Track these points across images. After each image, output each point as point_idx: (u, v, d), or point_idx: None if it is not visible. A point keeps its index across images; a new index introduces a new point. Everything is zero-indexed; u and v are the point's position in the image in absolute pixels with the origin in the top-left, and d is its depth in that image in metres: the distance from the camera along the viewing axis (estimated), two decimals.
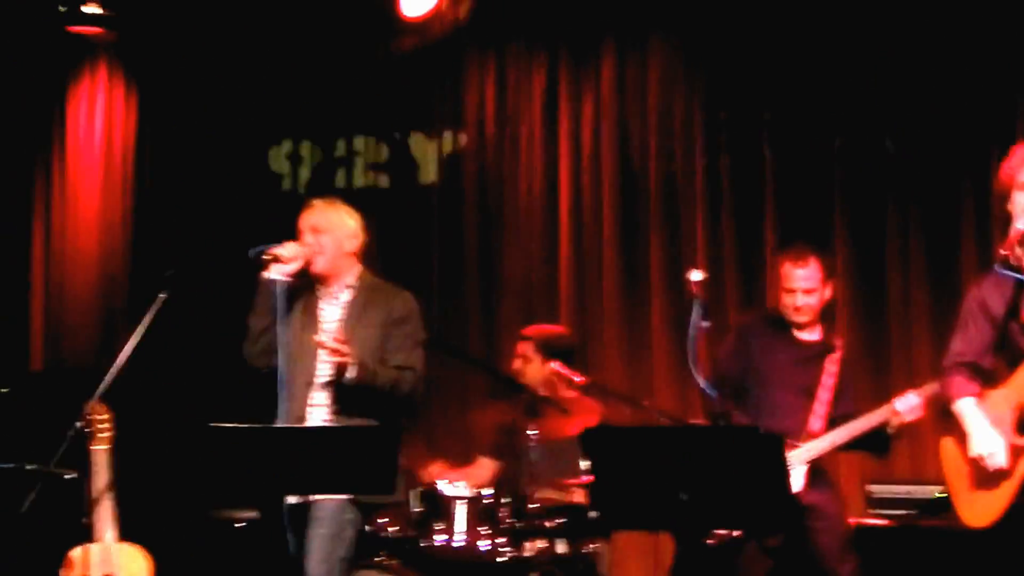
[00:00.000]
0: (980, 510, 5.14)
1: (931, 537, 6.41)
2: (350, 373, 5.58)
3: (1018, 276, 5.06)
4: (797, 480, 6.07)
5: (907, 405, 5.98)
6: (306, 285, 5.90)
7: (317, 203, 5.99)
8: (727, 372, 6.34)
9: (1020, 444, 5.03)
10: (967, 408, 5.16)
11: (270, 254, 5.69)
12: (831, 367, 6.27)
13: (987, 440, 5.07)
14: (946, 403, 5.28)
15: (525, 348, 7.08)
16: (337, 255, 5.86)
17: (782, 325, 6.37)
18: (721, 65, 7.96)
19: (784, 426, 6.08)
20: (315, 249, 5.81)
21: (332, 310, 5.86)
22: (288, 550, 5.50)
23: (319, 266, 5.83)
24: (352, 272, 5.91)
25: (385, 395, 5.67)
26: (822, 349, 6.33)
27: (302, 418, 5.68)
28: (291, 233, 5.89)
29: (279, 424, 5.58)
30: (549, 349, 6.98)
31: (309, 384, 5.70)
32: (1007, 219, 5.11)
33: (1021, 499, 5.04)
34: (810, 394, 6.21)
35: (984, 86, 7.40)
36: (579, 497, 6.61)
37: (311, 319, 5.84)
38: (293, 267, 5.73)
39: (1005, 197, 5.12)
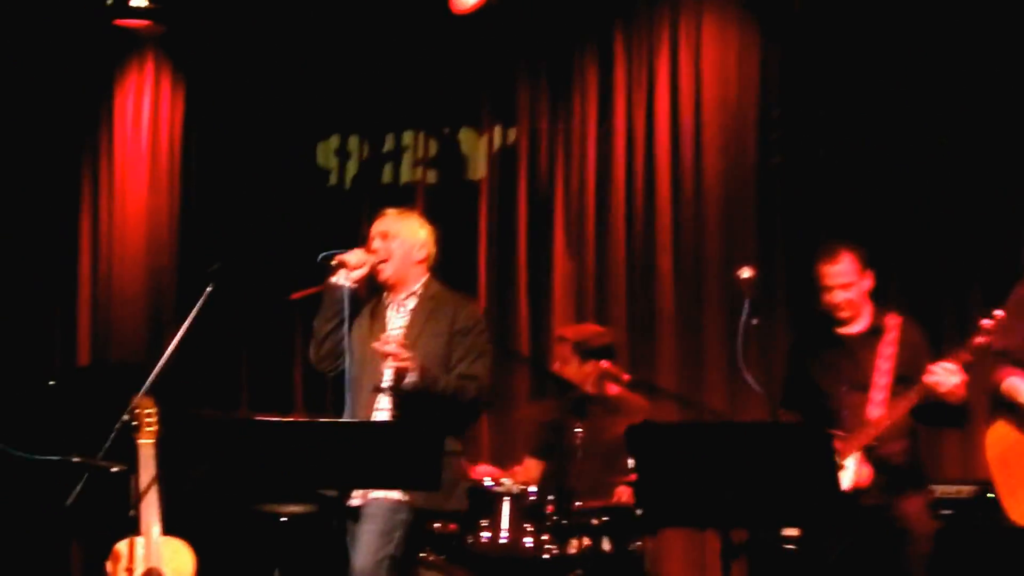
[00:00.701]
0: None
1: (978, 538, 6.40)
2: (410, 378, 5.67)
3: None
4: (848, 472, 6.05)
5: (937, 378, 5.85)
6: (375, 291, 6.02)
7: (390, 211, 6.11)
8: (795, 391, 6.36)
9: None
10: (1018, 382, 5.14)
11: (338, 260, 5.79)
12: (886, 350, 6.20)
13: None
14: (995, 392, 5.26)
15: (562, 349, 7.12)
16: (405, 263, 5.96)
17: (826, 326, 6.35)
18: (775, 62, 7.97)
19: (847, 425, 6.10)
20: (382, 256, 5.91)
21: (398, 317, 5.97)
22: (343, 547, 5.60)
23: (387, 273, 5.94)
24: (419, 281, 6.01)
25: (447, 402, 5.75)
26: (870, 336, 6.28)
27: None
28: (338, 228, 5.97)
29: None
30: (586, 349, 7.03)
31: (375, 389, 5.79)
32: None
33: None
34: (865, 386, 6.17)
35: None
36: (625, 498, 6.68)
37: (378, 325, 5.94)
38: (359, 273, 5.85)
39: None
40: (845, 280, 6.25)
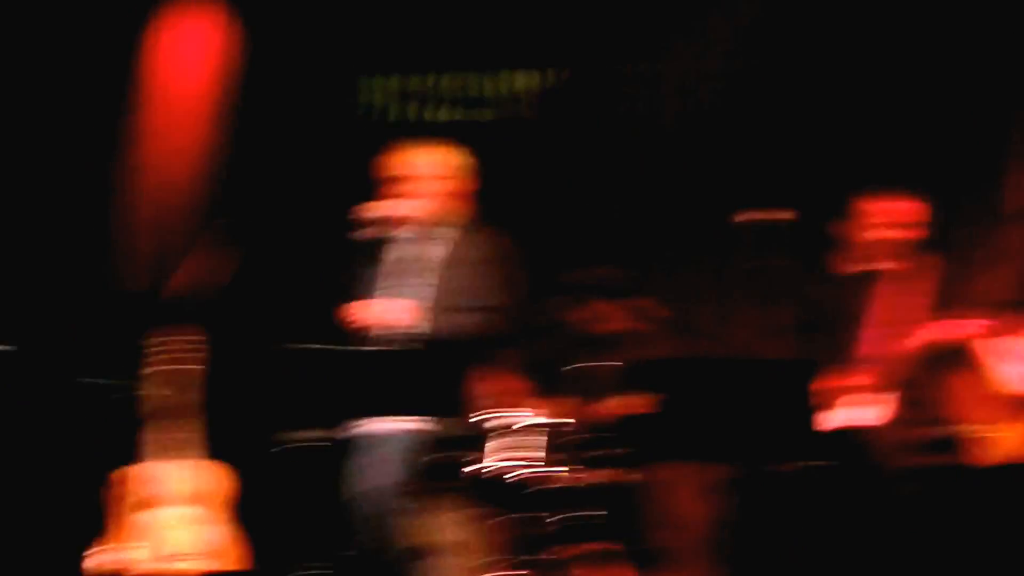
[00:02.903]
0: (1004, 445, 5.24)
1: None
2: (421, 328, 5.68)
3: None
4: (874, 408, 6.09)
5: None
6: (410, 229, 5.95)
7: (416, 145, 6.03)
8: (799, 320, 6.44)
9: None
10: (993, 341, 5.23)
11: (361, 218, 5.76)
12: (922, 285, 6.22)
13: (1013, 368, 5.14)
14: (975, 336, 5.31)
15: (600, 305, 7.16)
16: (438, 199, 5.90)
17: (848, 265, 6.41)
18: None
19: (875, 357, 6.15)
20: (408, 198, 5.85)
21: (426, 251, 5.92)
22: (354, 475, 5.59)
23: (418, 213, 5.88)
24: (452, 214, 5.94)
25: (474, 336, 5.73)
26: (874, 276, 6.31)
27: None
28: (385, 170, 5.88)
29: None
30: (607, 292, 7.06)
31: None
32: None
33: None
34: (891, 322, 6.20)
35: None
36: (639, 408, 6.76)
37: (407, 263, 5.89)
38: (383, 225, 5.82)
39: None
40: (901, 218, 6.26)
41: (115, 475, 6.21)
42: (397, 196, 5.86)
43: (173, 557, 6.04)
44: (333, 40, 8.68)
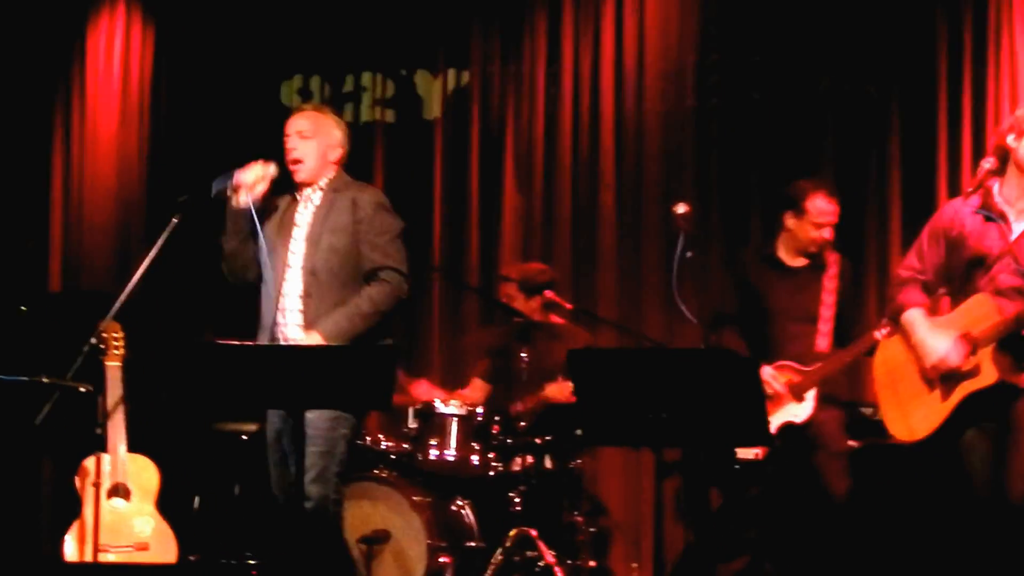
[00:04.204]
0: (916, 424, 5.20)
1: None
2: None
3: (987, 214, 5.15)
4: (807, 405, 6.18)
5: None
6: (286, 191, 5.77)
7: (306, 109, 5.90)
8: (730, 309, 6.44)
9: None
10: (918, 317, 5.21)
11: (235, 183, 5.57)
12: (829, 283, 6.30)
13: (942, 342, 5.10)
14: (895, 312, 5.33)
15: (508, 288, 7.17)
16: (321, 162, 5.72)
17: (772, 259, 6.43)
18: (714, 10, 8.02)
19: (793, 353, 6.22)
20: (296, 156, 5.67)
21: (304, 215, 5.69)
22: (283, 465, 5.53)
23: (302, 175, 5.70)
24: (327, 176, 5.74)
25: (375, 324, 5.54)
26: (814, 269, 6.36)
27: (273, 327, 5.56)
28: None
29: (260, 338, 5.56)
30: (530, 286, 7.08)
31: (279, 294, 5.58)
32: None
33: (953, 419, 5.10)
34: (813, 318, 6.26)
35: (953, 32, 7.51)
36: (556, 396, 6.79)
37: (286, 227, 5.68)
38: (260, 189, 5.58)
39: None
40: (835, 219, 6.31)
41: (82, 464, 6.16)
42: (264, 171, 5.59)
43: (104, 548, 5.93)
44: (255, 42, 8.64)
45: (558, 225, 8.19)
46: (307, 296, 5.56)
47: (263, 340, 5.56)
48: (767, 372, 6.13)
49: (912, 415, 5.21)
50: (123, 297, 5.70)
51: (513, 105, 8.37)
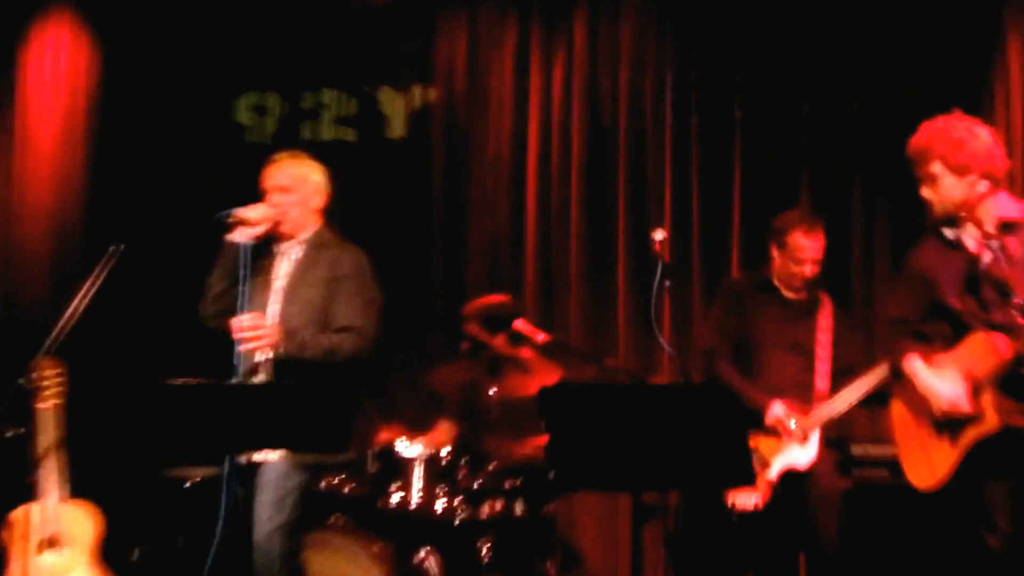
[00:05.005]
0: (926, 472, 5.10)
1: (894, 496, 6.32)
2: (278, 349, 5.43)
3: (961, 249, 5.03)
4: (811, 448, 6.04)
5: None
6: (267, 242, 5.74)
7: (282, 159, 5.84)
8: (720, 334, 6.34)
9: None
10: (919, 365, 5.08)
11: (237, 217, 5.50)
12: (824, 322, 6.25)
13: (950, 387, 4.97)
14: (895, 363, 5.21)
15: (471, 328, 6.95)
16: (303, 212, 5.74)
17: (768, 287, 6.34)
18: (693, 25, 7.77)
19: (783, 384, 6.14)
20: (282, 211, 5.65)
21: (284, 267, 5.73)
22: (236, 508, 5.33)
23: (286, 227, 5.70)
24: (311, 229, 5.77)
25: (323, 362, 5.49)
26: (809, 305, 6.30)
27: (247, 377, 5.50)
28: (255, 187, 5.73)
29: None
30: (494, 320, 6.83)
31: (248, 365, 5.52)
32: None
33: (965, 466, 4.99)
34: (805, 351, 6.21)
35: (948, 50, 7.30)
36: (535, 452, 6.55)
37: (265, 278, 5.70)
38: (260, 230, 5.56)
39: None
40: (819, 255, 6.22)
41: (9, 517, 5.88)
42: (267, 212, 5.63)
43: None
44: (207, 57, 8.42)
45: (526, 250, 7.97)
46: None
47: None
48: (779, 410, 6.03)
49: (925, 462, 5.11)
50: (58, 331, 5.57)
51: (479, 124, 8.16)
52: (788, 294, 6.31)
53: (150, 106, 8.46)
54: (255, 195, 5.79)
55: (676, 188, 7.73)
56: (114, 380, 6.52)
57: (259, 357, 5.47)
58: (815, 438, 6.05)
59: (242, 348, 5.42)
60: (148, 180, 8.28)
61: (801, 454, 6.04)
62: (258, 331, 5.39)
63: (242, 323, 5.39)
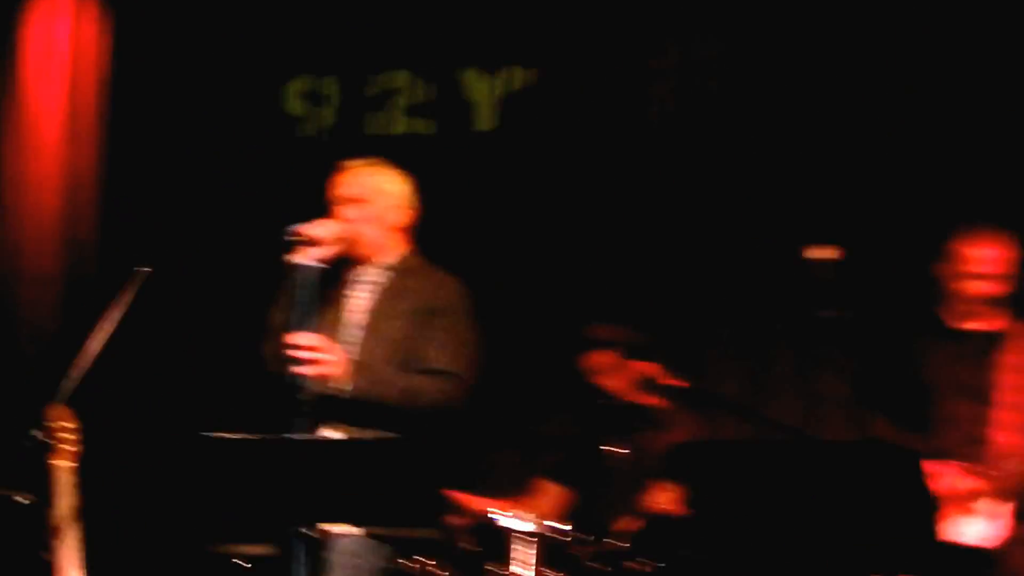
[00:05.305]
0: None
1: None
2: (345, 385, 5.56)
3: None
4: (999, 525, 6.04)
5: None
6: (340, 267, 5.88)
7: (355, 166, 5.99)
8: (876, 381, 6.42)
9: None
10: None
11: (304, 235, 5.61)
12: (1012, 360, 6.22)
13: None
14: None
15: (588, 370, 7.00)
16: (382, 232, 5.90)
17: (934, 318, 6.38)
18: None
19: (954, 442, 6.15)
20: (354, 228, 5.80)
21: (362, 299, 5.89)
22: None
23: (363, 248, 5.86)
24: (396, 253, 5.93)
25: (403, 409, 5.63)
26: (993, 339, 6.29)
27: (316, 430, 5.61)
28: (307, 192, 5.83)
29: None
30: (635, 351, 6.93)
31: (303, 400, 5.55)
32: None
33: None
34: (983, 397, 6.19)
35: None
36: (668, 506, 6.61)
37: (340, 310, 5.85)
38: (331, 250, 5.69)
39: None
40: (997, 269, 6.23)
41: None
42: (340, 229, 5.77)
43: None
44: (250, 34, 8.63)
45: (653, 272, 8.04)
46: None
47: None
48: (954, 476, 6.02)
49: None
50: (77, 372, 5.69)
51: (587, 111, 8.29)
52: (959, 323, 6.33)
53: (177, 92, 8.69)
54: (309, 202, 5.90)
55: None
56: (146, 434, 6.66)
57: (329, 388, 5.57)
58: (1005, 511, 6.06)
59: (300, 370, 5.49)
60: (176, 184, 8.41)
61: (987, 530, 6.04)
62: (322, 352, 5.48)
63: (300, 340, 5.46)
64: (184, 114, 8.67)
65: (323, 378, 5.53)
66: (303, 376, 5.48)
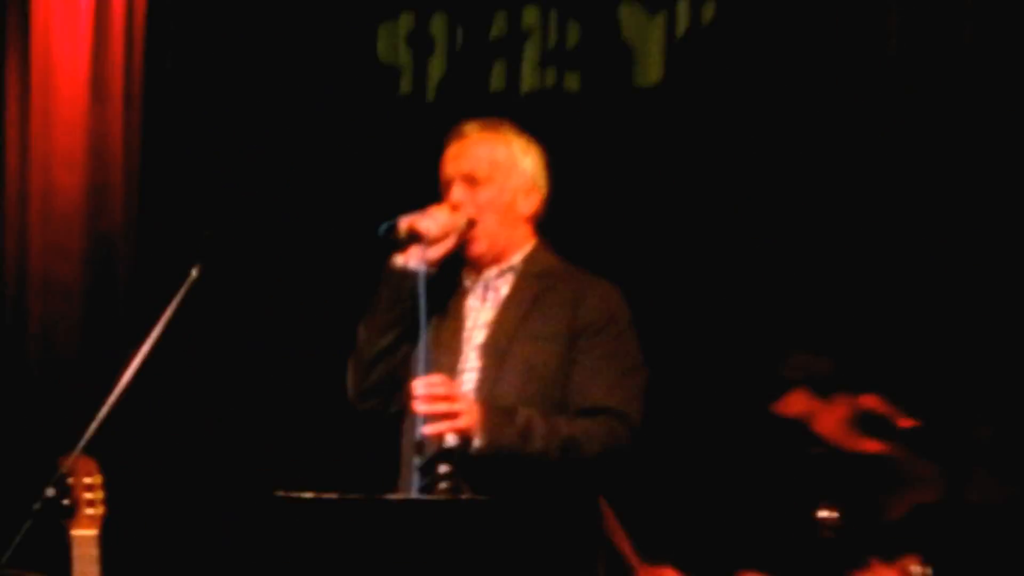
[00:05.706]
0: None
1: None
2: (476, 442, 5.60)
3: None
4: None
5: None
6: (451, 270, 5.95)
7: (472, 131, 6.05)
8: None
9: None
10: None
11: (410, 229, 5.70)
12: None
13: None
14: None
15: (802, 399, 7.04)
16: (507, 222, 5.96)
17: None
18: None
19: None
20: (469, 217, 5.87)
21: (483, 310, 5.96)
22: None
23: (479, 246, 5.93)
24: (519, 250, 6.00)
25: (557, 462, 5.67)
26: None
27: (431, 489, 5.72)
28: (409, 170, 5.88)
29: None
30: (830, 385, 6.93)
31: (417, 449, 5.72)
32: None
33: None
34: None
35: None
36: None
37: (454, 327, 5.93)
38: (442, 249, 5.78)
39: None
40: None
41: None
42: (453, 221, 5.86)
43: None
44: None
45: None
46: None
47: None
48: None
49: None
50: (103, 412, 5.79)
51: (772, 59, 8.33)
52: None
53: (234, 36, 8.81)
54: (411, 184, 5.94)
55: None
56: (192, 492, 6.75)
57: (449, 441, 5.66)
58: None
59: (427, 430, 5.60)
60: (234, 159, 8.54)
61: None
62: (448, 403, 5.56)
63: (428, 387, 5.56)
64: (242, 69, 8.76)
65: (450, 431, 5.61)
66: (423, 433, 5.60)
